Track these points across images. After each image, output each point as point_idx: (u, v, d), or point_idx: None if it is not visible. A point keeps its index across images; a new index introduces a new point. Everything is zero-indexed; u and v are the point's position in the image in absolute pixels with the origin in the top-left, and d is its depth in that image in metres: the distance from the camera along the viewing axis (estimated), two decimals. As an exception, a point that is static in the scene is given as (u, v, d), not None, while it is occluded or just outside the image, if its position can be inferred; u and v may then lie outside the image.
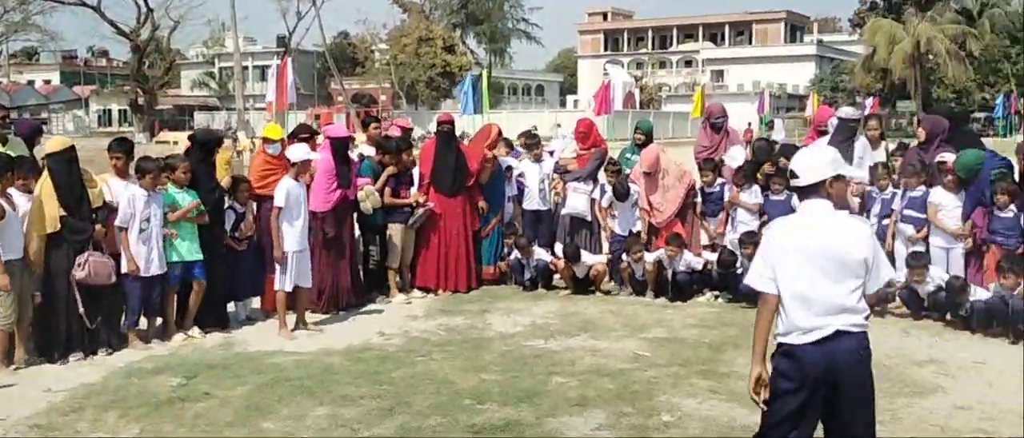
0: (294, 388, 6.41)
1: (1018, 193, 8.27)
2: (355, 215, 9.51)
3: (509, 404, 6.04)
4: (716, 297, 9.44)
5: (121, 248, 7.46)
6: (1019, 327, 7.68)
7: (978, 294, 8.05)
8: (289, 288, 8.15)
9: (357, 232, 9.69)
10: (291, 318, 8.28)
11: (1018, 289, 7.67)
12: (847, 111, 9.90)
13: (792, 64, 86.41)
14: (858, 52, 73.98)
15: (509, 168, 10.70)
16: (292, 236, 8.11)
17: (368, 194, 9.19)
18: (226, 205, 8.50)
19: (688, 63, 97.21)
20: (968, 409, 5.96)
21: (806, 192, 3.91)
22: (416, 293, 9.89)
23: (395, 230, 9.65)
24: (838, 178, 3.88)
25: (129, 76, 56.80)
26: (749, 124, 30.58)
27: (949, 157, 8.85)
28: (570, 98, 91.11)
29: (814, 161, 3.93)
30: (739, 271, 9.27)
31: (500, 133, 10.64)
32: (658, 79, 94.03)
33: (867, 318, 3.82)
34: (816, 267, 3.79)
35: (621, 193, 9.99)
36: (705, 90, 43.69)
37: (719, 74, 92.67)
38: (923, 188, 8.88)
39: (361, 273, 9.75)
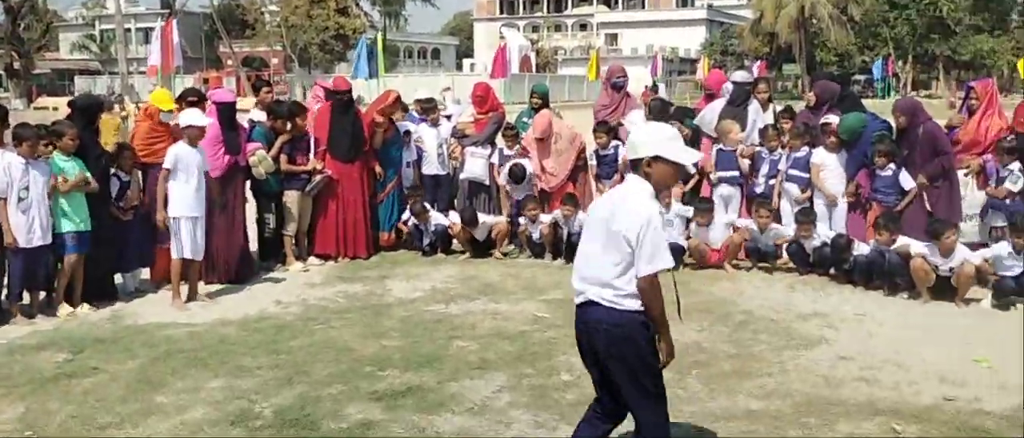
0: (188, 360, 6.24)
1: (895, 153, 8.67)
2: (249, 182, 9.29)
3: (410, 369, 6.03)
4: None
5: None
6: (895, 280, 8.09)
7: (860, 249, 8.43)
8: (186, 255, 7.92)
9: (251, 199, 9.47)
10: (184, 289, 8.04)
11: (894, 244, 8.07)
12: (740, 75, 10.16)
13: (684, 28, 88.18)
14: (747, 16, 76.00)
15: (407, 133, 10.60)
16: (184, 202, 7.85)
17: (261, 159, 8.96)
18: (111, 173, 8.15)
19: (583, 27, 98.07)
20: (850, 359, 6.26)
21: (631, 165, 3.83)
22: (314, 260, 9.73)
23: (291, 197, 9.45)
24: (656, 159, 3.73)
25: (3, 39, 53.67)
26: (646, 87, 31.02)
27: (833, 119, 9.20)
28: (467, 62, 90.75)
29: (641, 138, 3.83)
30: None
31: (398, 99, 10.51)
32: (554, 42, 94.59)
33: (632, 299, 3.72)
34: (591, 235, 3.89)
35: (518, 176, 10.05)
36: (600, 53, 44.15)
37: (613, 37, 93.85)
38: (806, 149, 9.21)
39: (257, 241, 9.55)
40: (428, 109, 11.10)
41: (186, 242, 7.90)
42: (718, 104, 9.85)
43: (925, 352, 6.40)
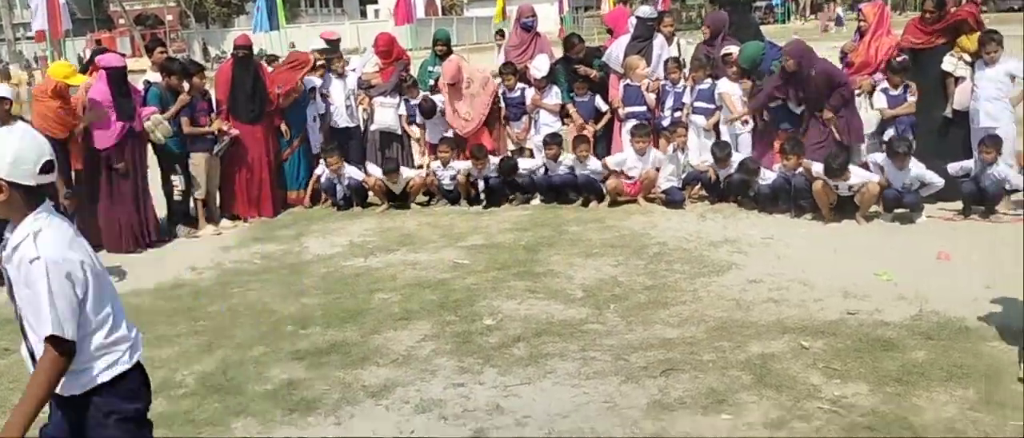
0: (103, 334, 6.10)
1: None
2: (151, 147, 9.03)
3: (333, 326, 6.03)
4: (527, 200, 9.69)
5: None
6: (800, 203, 8.38)
7: (766, 176, 8.69)
8: None
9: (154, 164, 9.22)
10: None
11: (799, 168, 8.33)
12: (645, 10, 10.23)
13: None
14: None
15: (313, 88, 10.40)
16: None
17: (156, 124, 8.69)
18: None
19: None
20: (759, 282, 6.50)
21: None
22: (226, 222, 9.57)
23: (197, 159, 9.21)
24: None
25: None
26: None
27: (734, 49, 9.39)
28: (371, 8, 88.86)
29: None
30: (546, 172, 9.58)
31: (314, 62, 10.31)
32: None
33: None
34: None
35: (427, 110, 10.02)
36: (507, -7, 43.73)
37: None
38: (710, 80, 9.40)
39: (166, 207, 9.31)
40: (332, 59, 10.89)
41: None
42: (624, 40, 9.93)
43: (830, 270, 6.68)
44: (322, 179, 10.02)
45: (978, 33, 8.33)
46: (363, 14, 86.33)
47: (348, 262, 7.76)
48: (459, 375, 5.07)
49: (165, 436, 4.44)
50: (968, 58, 8.34)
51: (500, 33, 23.23)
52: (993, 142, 7.86)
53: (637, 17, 10.11)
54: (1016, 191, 7.96)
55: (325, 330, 5.96)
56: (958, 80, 8.37)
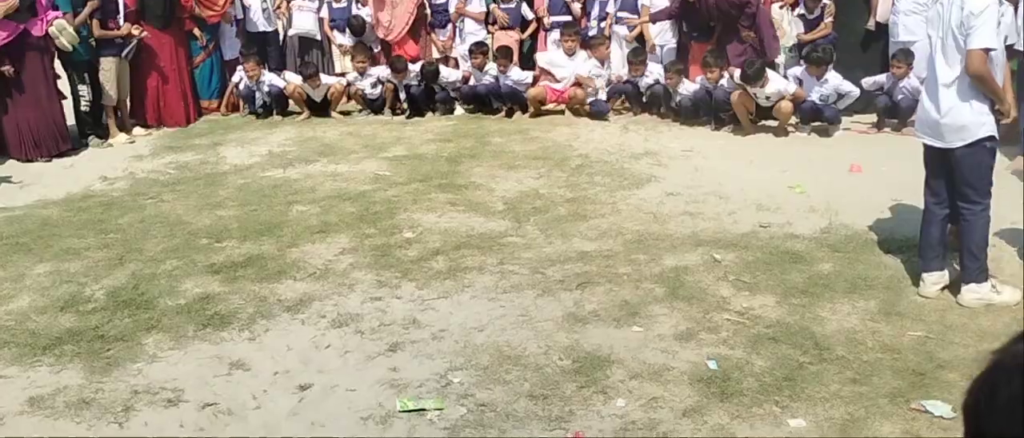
0: (9, 247, 5.91)
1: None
2: (57, 54, 8.62)
3: (249, 239, 5.93)
4: (450, 110, 9.58)
5: None
6: (719, 116, 8.47)
7: (686, 87, 8.73)
8: None
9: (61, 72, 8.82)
10: None
11: (721, 81, 8.39)
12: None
13: None
14: None
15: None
16: None
17: (61, 29, 8.27)
18: None
19: None
20: (677, 194, 6.59)
21: None
22: (139, 130, 9.26)
23: (107, 64, 8.84)
24: None
25: None
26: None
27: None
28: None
29: None
30: (472, 83, 9.47)
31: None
32: None
33: None
34: None
35: (356, 28, 9.78)
36: None
37: None
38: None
39: (74, 116, 8.95)
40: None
41: None
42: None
43: (746, 182, 6.80)
44: (240, 86, 9.74)
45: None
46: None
47: (266, 173, 7.60)
48: (377, 289, 5.06)
49: (74, 351, 4.36)
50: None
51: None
52: (905, 56, 8.01)
53: None
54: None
55: (241, 243, 5.86)
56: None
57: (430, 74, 9.37)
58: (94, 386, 4.05)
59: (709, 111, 8.55)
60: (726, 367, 4.03)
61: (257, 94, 9.61)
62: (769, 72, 8.07)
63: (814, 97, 8.09)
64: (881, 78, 8.21)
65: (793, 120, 8.30)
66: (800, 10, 8.88)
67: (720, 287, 4.89)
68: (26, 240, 6.05)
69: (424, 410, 3.78)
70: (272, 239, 5.91)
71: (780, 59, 8.85)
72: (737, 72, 8.19)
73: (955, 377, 3.88)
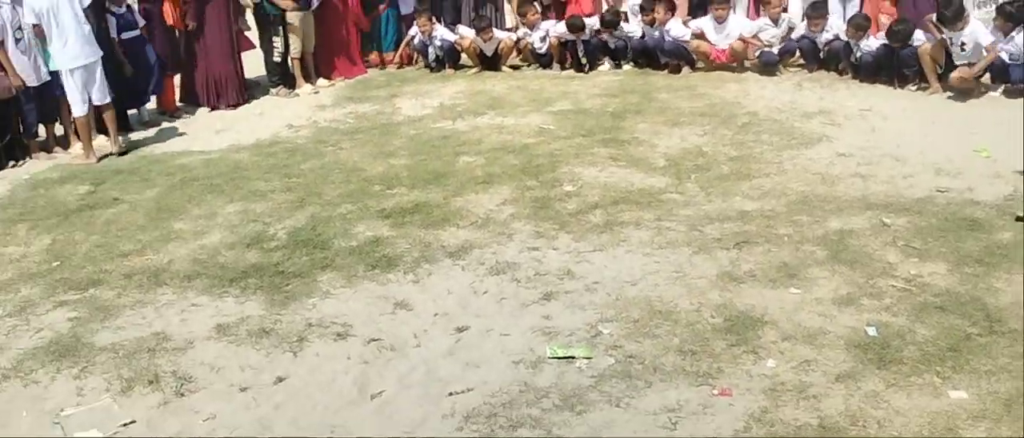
0: (203, 187, 6.46)
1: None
2: (253, 9, 9.24)
3: (417, 187, 6.20)
4: (618, 65, 9.55)
5: (2, 62, 7.10)
6: (904, 73, 8.02)
7: (869, 44, 8.30)
8: (84, 111, 7.21)
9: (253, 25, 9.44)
10: (101, 141, 7.59)
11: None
12: None
13: None
14: None
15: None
16: (64, 54, 7.09)
17: None
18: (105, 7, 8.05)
19: None
20: (849, 156, 6.35)
21: None
22: (323, 81, 9.76)
23: (293, 18, 9.34)
24: None
25: None
26: None
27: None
28: None
29: None
30: (639, 35, 9.38)
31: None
32: None
33: None
34: None
35: None
36: None
37: None
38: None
39: (265, 66, 9.55)
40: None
41: (77, 96, 7.17)
42: None
43: (926, 144, 6.46)
44: (415, 40, 10.07)
45: None
46: None
47: (437, 125, 7.88)
48: (535, 239, 5.19)
49: (257, 285, 4.75)
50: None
51: None
52: None
53: None
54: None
55: (410, 190, 6.15)
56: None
57: (612, 23, 9.34)
58: (273, 317, 4.41)
59: (891, 68, 8.11)
60: (886, 334, 3.91)
61: (430, 48, 9.91)
62: (971, 15, 7.55)
63: (1004, 55, 7.51)
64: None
65: (985, 79, 7.75)
66: None
67: (887, 252, 4.71)
68: (219, 181, 6.57)
69: (573, 358, 3.89)
70: (438, 188, 6.16)
71: (975, 12, 8.24)
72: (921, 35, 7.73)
73: None
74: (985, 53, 7.56)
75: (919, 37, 7.93)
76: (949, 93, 7.74)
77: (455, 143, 7.25)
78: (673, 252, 4.91)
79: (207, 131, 8.22)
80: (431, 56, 9.97)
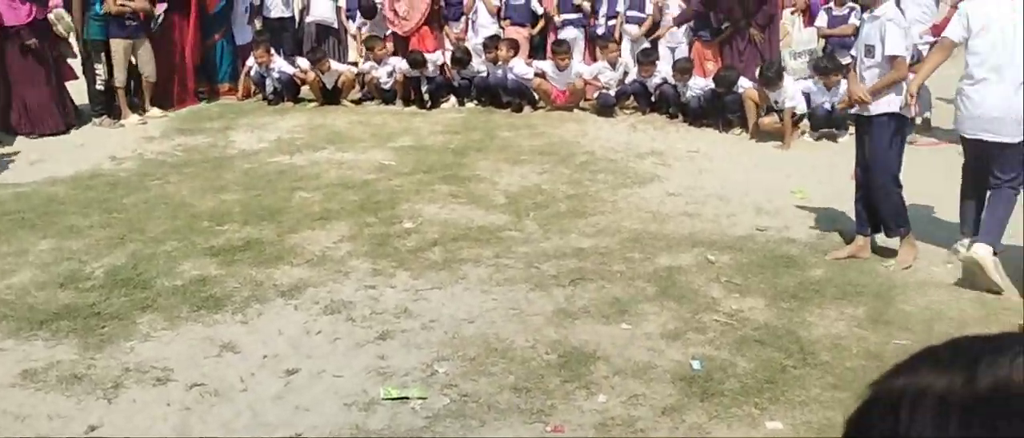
0: (13, 222, 6.01)
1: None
2: (77, 34, 8.78)
3: (250, 223, 5.99)
4: (461, 102, 9.63)
5: None
6: (727, 117, 8.46)
7: (694, 87, 8.69)
8: None
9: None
10: None
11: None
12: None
13: None
14: None
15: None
16: None
17: (59, 17, 8.49)
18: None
19: None
20: (678, 195, 6.60)
21: None
22: (156, 112, 9.33)
23: (117, 46, 8.90)
24: None
25: None
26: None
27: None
28: None
29: None
30: (484, 74, 9.49)
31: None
32: None
33: None
34: None
35: (367, 9, 9.82)
36: None
37: None
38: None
39: (88, 94, 9.05)
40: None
41: None
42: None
43: (748, 185, 6.81)
44: (252, 72, 9.81)
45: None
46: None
47: (273, 159, 7.67)
48: (372, 277, 5.11)
49: (69, 327, 4.44)
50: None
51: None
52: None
53: None
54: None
55: (241, 227, 5.93)
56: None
57: (461, 61, 9.38)
58: (86, 362, 4.12)
59: (717, 113, 8.54)
60: (710, 367, 4.05)
61: (268, 80, 9.68)
62: (785, 79, 8.05)
63: (827, 105, 8.04)
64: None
65: (804, 126, 8.26)
66: (828, 5, 8.85)
67: (711, 288, 4.91)
68: (31, 216, 6.14)
69: (407, 398, 3.82)
70: (273, 224, 5.97)
71: (792, 63, 8.81)
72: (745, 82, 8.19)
73: (938, 387, 3.88)
74: (798, 107, 8.04)
75: (744, 83, 8.39)
76: (771, 141, 8.21)
77: (292, 178, 7.07)
78: (511, 289, 4.94)
79: (22, 162, 7.68)
80: (269, 88, 9.72)
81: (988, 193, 5.05)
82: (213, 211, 6.26)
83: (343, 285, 5.00)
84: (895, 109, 5.03)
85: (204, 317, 4.61)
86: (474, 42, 9.86)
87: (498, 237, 5.73)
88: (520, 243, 5.64)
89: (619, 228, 5.90)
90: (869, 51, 4.99)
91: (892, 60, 4.91)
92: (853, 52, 5.70)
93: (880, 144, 5.10)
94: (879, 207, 5.17)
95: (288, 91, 9.72)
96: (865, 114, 5.11)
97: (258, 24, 10.31)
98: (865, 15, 5.11)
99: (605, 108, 9.08)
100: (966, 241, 5.17)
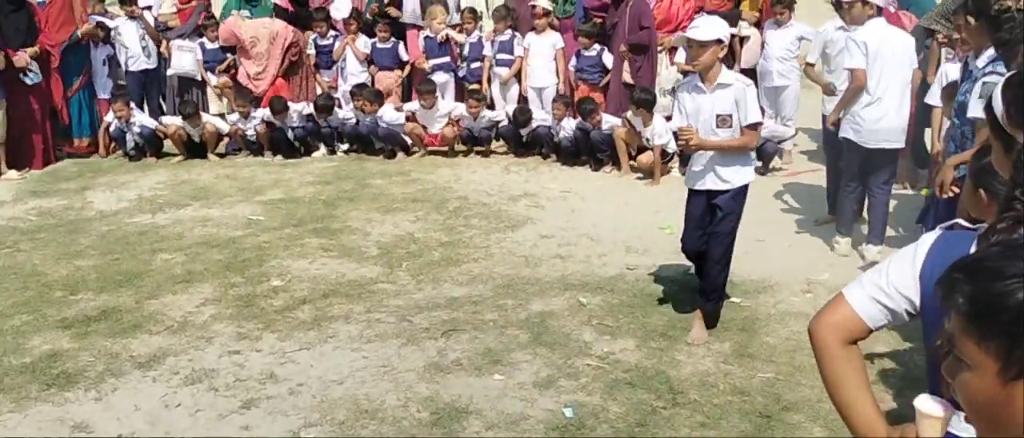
0: None
1: (598, 34, 9.08)
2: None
3: (107, 290, 5.71)
4: (332, 151, 9.49)
5: None
6: (597, 156, 8.61)
7: (566, 128, 8.83)
8: None
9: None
10: None
11: (598, 124, 8.53)
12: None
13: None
14: None
15: (100, 24, 9.70)
16: None
17: None
18: None
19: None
20: (550, 237, 6.65)
21: None
22: (12, 173, 8.82)
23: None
24: None
25: None
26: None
27: (541, 2, 9.41)
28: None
29: None
30: (354, 121, 9.38)
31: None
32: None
33: None
34: None
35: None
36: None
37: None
38: (510, 32, 9.37)
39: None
40: (126, 1, 10.17)
41: None
42: (416, -8, 9.82)
43: (619, 223, 6.92)
44: (111, 127, 9.42)
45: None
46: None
47: (133, 219, 7.35)
48: (236, 342, 4.92)
49: (-100, 419, 4.10)
50: (752, 18, 8.77)
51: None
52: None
53: None
54: (785, 140, 8.47)
55: (97, 295, 5.64)
56: (744, 40, 8.77)
57: (326, 108, 9.25)
58: (-82, 457, 3.81)
59: (589, 152, 8.68)
60: (582, 414, 4.06)
61: (128, 135, 9.31)
62: (655, 116, 8.23)
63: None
64: None
65: (674, 164, 8.46)
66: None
67: (583, 332, 4.93)
68: None
69: (272, 471, 3.68)
70: (131, 290, 5.71)
71: (661, 100, 9.04)
72: (612, 119, 8.35)
73: (800, 418, 4.00)
74: (668, 144, 8.25)
75: (616, 122, 8.54)
76: (639, 175, 8.39)
77: (153, 239, 6.79)
78: (382, 345, 4.84)
79: None
80: (129, 144, 9.35)
81: (867, 199, 6.01)
82: (67, 279, 5.94)
83: (205, 352, 4.80)
84: (751, 180, 4.83)
85: (54, 396, 4.34)
86: (344, 89, 9.76)
87: (369, 291, 5.63)
88: (392, 295, 5.55)
89: (492, 275, 5.88)
90: (722, 122, 4.66)
91: (749, 129, 4.64)
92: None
93: (737, 214, 4.79)
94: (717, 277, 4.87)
95: (150, 146, 9.37)
96: (716, 189, 4.73)
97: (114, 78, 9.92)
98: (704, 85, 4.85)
99: (477, 143, 9.12)
100: (844, 240, 6.14)
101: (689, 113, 4.75)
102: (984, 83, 3.99)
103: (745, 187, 4.77)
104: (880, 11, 6.02)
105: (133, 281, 5.86)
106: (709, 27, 4.62)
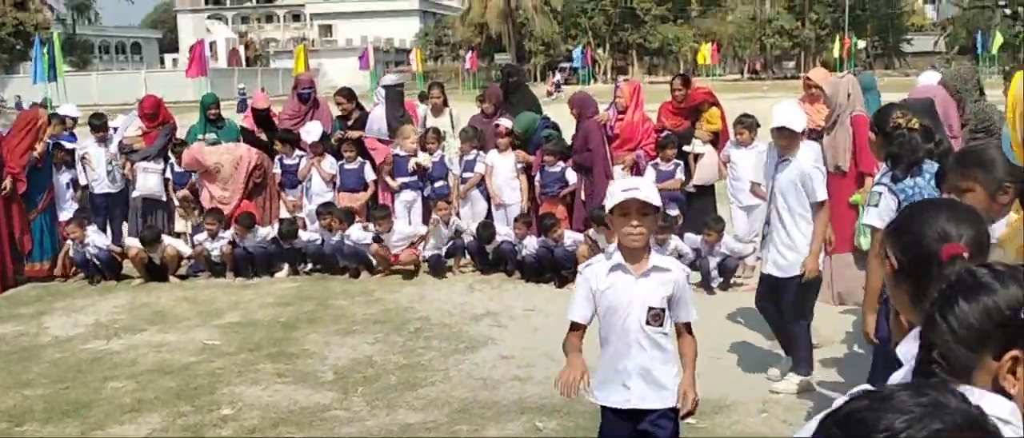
0: None
1: (564, 153, 9.22)
2: None
3: (52, 421, 5.56)
4: (295, 271, 9.46)
5: None
6: (562, 273, 8.62)
7: (530, 246, 8.86)
8: None
9: None
10: None
11: (563, 240, 8.57)
12: (390, 78, 10.33)
13: (397, 19, 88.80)
14: (458, 7, 78.05)
15: (58, 146, 9.76)
16: None
17: None
18: None
19: (296, 17, 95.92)
20: (511, 358, 6.57)
21: None
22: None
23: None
24: None
25: None
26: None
27: (506, 123, 9.59)
28: (170, 57, 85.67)
29: None
30: (319, 242, 9.38)
31: (47, 120, 9.67)
32: (265, 34, 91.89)
33: None
34: None
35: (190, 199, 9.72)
36: (314, 45, 43.44)
37: (328, 28, 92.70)
38: (475, 152, 9.52)
39: None
40: (98, 126, 10.26)
41: None
42: (379, 110, 9.98)
43: (580, 343, 6.85)
44: (70, 250, 9.36)
45: (717, 109, 9.02)
46: (162, 63, 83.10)
47: (87, 345, 7.22)
48: (180, 475, 4.78)
49: None
50: (708, 136, 8.97)
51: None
52: (716, 223, 8.36)
53: (383, 85, 10.24)
54: (746, 256, 8.51)
55: (42, 426, 5.49)
56: (697, 157, 8.94)
57: (290, 233, 9.26)
58: None
59: (553, 269, 8.69)
60: None
61: (86, 258, 9.23)
62: None
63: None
64: (696, 240, 8.47)
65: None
66: (656, 160, 9.15)
67: (537, 459, 4.82)
68: None
69: None
70: (77, 421, 5.56)
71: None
72: (574, 235, 8.41)
73: None
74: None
75: (578, 238, 8.60)
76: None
77: (106, 366, 6.66)
78: (330, 477, 4.71)
79: None
80: (89, 267, 9.27)
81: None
82: (12, 410, 5.78)
83: (148, 488, 4.65)
84: None
85: None
86: (309, 209, 9.80)
87: (321, 418, 5.51)
88: (344, 423, 5.43)
89: (449, 399, 5.78)
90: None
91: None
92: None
93: None
94: None
95: (108, 269, 9.28)
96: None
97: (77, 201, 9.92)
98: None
99: (437, 269, 9.11)
100: (777, 372, 5.85)
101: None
102: (871, 193, 4.36)
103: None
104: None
105: (81, 411, 5.71)
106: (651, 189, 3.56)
